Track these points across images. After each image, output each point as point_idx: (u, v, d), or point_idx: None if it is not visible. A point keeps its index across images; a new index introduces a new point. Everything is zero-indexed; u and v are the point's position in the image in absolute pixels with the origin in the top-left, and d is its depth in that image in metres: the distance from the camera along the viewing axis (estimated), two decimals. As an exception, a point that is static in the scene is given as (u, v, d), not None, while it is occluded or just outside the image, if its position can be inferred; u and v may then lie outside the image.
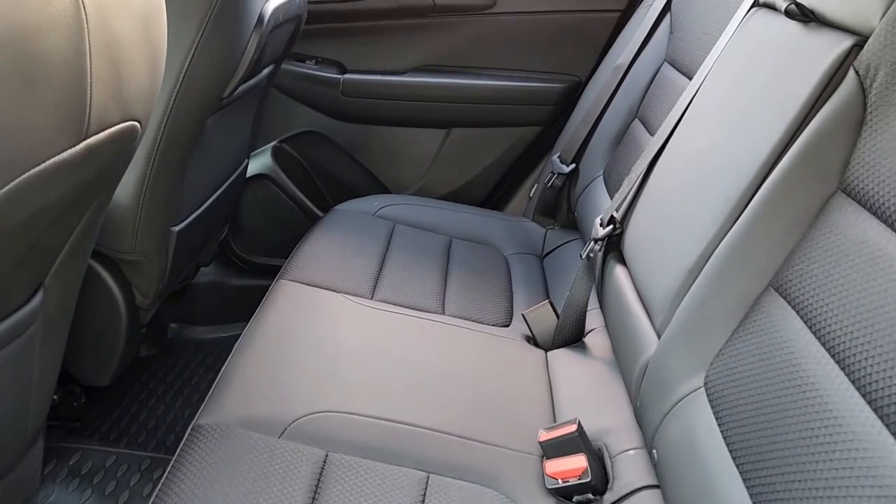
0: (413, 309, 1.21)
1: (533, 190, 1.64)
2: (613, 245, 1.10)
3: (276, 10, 1.14)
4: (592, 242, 1.11)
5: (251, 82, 1.26)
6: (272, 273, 1.75)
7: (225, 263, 1.77)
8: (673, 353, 0.81)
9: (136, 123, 0.68)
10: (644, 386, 0.86)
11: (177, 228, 1.18)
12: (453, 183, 1.77)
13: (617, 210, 1.10)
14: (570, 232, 1.53)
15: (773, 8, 0.90)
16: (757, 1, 0.96)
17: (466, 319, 1.22)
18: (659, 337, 0.86)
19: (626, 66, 1.42)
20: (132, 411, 1.47)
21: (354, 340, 1.08)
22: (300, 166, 1.76)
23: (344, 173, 1.79)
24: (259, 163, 1.71)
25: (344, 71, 1.70)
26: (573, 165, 1.49)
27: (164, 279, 1.20)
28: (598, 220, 1.12)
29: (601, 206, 1.28)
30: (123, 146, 0.68)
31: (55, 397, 1.23)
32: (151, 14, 0.68)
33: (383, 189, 1.80)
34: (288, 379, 0.98)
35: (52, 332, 0.82)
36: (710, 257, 0.79)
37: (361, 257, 1.33)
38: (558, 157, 1.53)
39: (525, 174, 1.75)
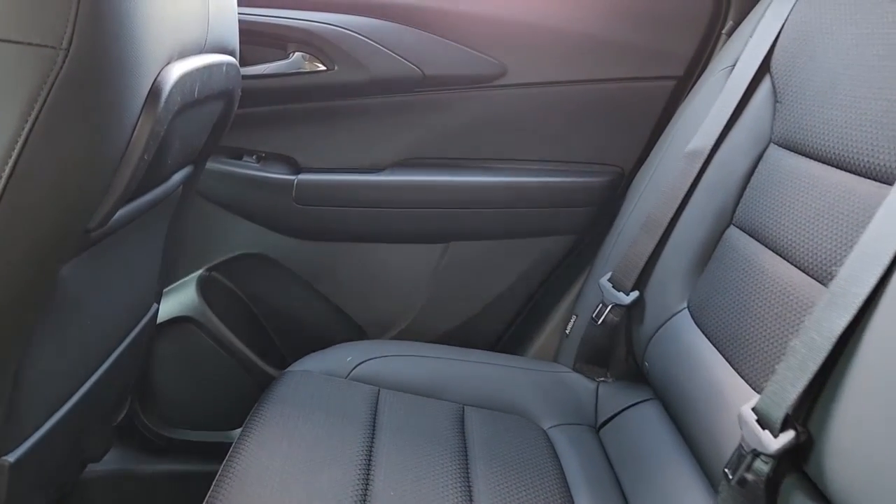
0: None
1: (570, 324, 1.17)
2: (788, 461, 0.63)
3: (183, 79, 0.67)
4: (751, 458, 0.64)
5: (148, 197, 0.78)
6: (201, 452, 1.24)
7: (131, 446, 1.24)
8: None
9: None
10: None
11: (13, 457, 0.67)
12: (455, 318, 1.29)
13: (774, 400, 0.63)
14: (635, 387, 1.07)
15: None
16: None
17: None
18: None
19: (706, 152, 0.99)
20: None
21: None
22: (238, 302, 1.26)
23: (301, 312, 1.29)
24: (177, 301, 1.21)
25: (298, 170, 1.22)
26: (635, 294, 1.03)
27: (-10, 548, 0.68)
28: (748, 419, 0.65)
29: (694, 355, 0.84)
30: None
31: None
32: None
33: (358, 333, 1.30)
34: None
35: None
36: None
37: (335, 466, 0.83)
38: (609, 280, 1.08)
39: (554, 302, 1.28)
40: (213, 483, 0.80)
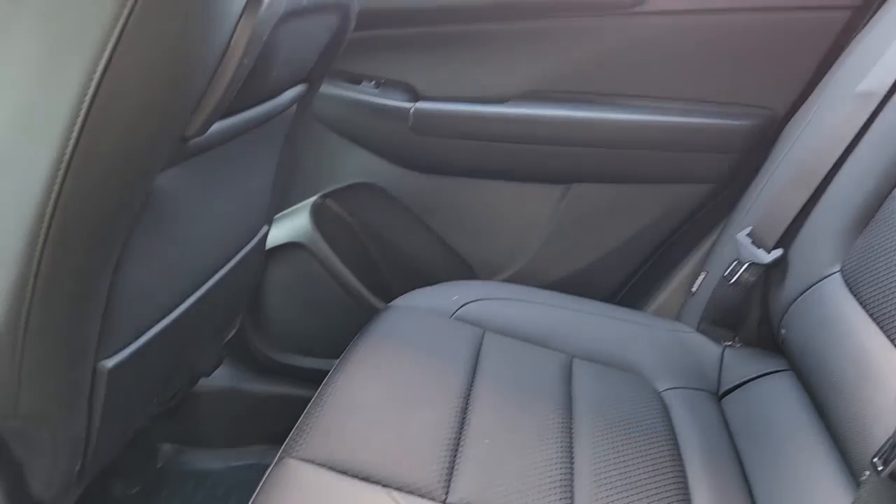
0: (520, 527, 0.66)
1: (698, 282, 1.07)
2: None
3: (290, -18, 0.62)
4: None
5: (254, 112, 0.75)
6: (307, 377, 1.24)
7: (241, 364, 1.27)
8: None
9: None
10: None
11: (111, 363, 0.67)
12: (571, 266, 1.20)
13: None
14: (766, 355, 0.96)
15: None
16: None
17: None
18: None
19: (883, 94, 0.85)
20: None
21: None
22: (349, 232, 1.24)
23: (411, 247, 1.25)
24: (290, 226, 1.20)
25: (416, 98, 1.17)
26: (778, 252, 0.91)
27: (88, 449, 0.69)
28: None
29: (844, 325, 0.73)
30: None
31: None
32: None
33: (467, 272, 1.24)
34: None
35: None
36: None
37: (430, 406, 0.79)
38: (748, 235, 0.96)
39: (681, 256, 1.17)
40: (306, 410, 0.78)
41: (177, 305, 0.79)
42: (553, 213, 1.18)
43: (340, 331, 1.00)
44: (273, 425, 1.02)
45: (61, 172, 0.54)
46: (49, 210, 0.55)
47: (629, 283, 1.23)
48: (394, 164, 1.20)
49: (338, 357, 0.88)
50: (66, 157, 0.54)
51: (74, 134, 0.53)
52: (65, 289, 0.58)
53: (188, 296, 0.82)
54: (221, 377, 1.25)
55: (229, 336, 1.13)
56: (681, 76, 1.09)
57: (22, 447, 0.64)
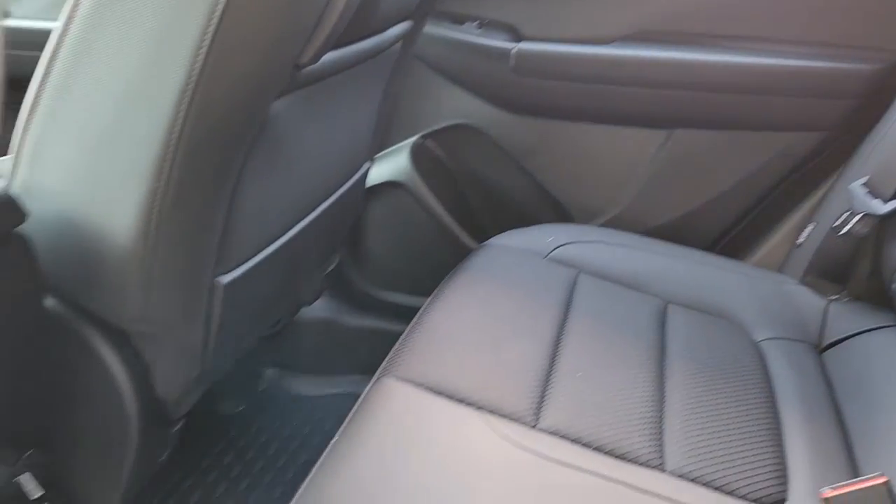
0: (608, 455, 0.68)
1: (805, 233, 1.03)
2: None
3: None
4: None
5: (361, 46, 0.77)
6: (400, 314, 1.28)
7: (339, 297, 1.32)
8: None
9: None
10: None
11: (227, 279, 0.72)
12: (670, 213, 1.19)
13: None
14: (875, 310, 0.92)
15: None
16: None
17: (705, 486, 0.66)
18: None
19: None
20: (192, 501, 1.06)
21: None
22: (447, 173, 1.26)
23: (508, 188, 1.25)
24: (390, 165, 1.23)
25: (518, 38, 1.16)
26: (895, 203, 0.87)
27: (206, 357, 0.75)
28: None
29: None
30: None
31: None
32: None
33: (563, 216, 1.24)
34: None
35: None
36: None
37: (523, 338, 0.81)
38: (863, 185, 0.92)
39: (788, 207, 1.12)
40: (403, 334, 0.82)
41: (285, 231, 0.84)
42: (654, 159, 1.16)
43: (434, 269, 1.03)
44: (367, 357, 1.07)
45: (188, 97, 0.58)
46: (177, 131, 0.59)
47: (730, 233, 1.19)
48: (494, 105, 1.21)
49: (430, 295, 0.91)
50: (193, 82, 0.57)
51: (200, 60, 0.56)
52: (189, 205, 0.63)
53: (296, 223, 0.86)
54: (321, 309, 1.30)
55: (330, 269, 1.18)
56: (795, 16, 1.03)
57: (149, 349, 0.70)
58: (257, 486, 1.10)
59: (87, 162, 0.62)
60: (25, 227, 0.62)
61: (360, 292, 1.31)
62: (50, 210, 0.63)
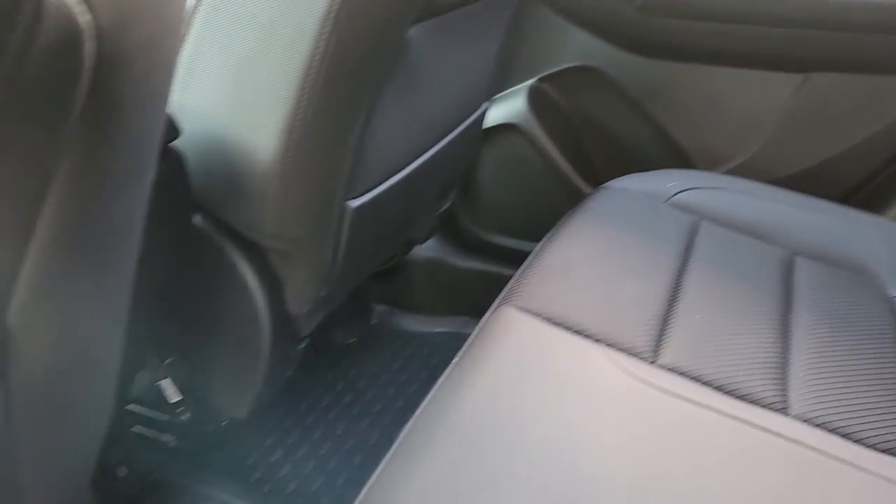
0: (729, 395, 0.67)
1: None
2: None
3: None
4: None
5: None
6: (509, 258, 1.30)
7: (450, 238, 1.34)
8: None
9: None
10: None
11: (356, 203, 0.75)
12: (800, 162, 1.13)
13: None
14: None
15: None
16: None
17: (832, 432, 0.64)
18: None
19: None
20: (306, 423, 1.12)
21: (618, 477, 0.57)
22: (563, 116, 1.24)
23: (627, 132, 1.23)
24: (507, 108, 1.23)
25: (646, -24, 1.12)
26: None
27: (333, 278, 0.78)
28: None
29: None
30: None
31: (186, 416, 0.90)
32: None
33: (684, 163, 1.20)
34: None
35: (39, 411, 0.42)
36: None
37: (641, 279, 0.80)
38: None
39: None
40: (518, 272, 0.82)
41: (408, 164, 0.86)
42: (787, 104, 1.10)
43: (546, 214, 1.02)
44: (475, 299, 1.08)
45: (331, 21, 0.60)
46: (319, 55, 0.61)
47: (866, 186, 1.12)
48: (617, 46, 1.17)
49: (540, 240, 0.91)
50: (336, 6, 0.59)
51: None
52: (326, 128, 0.65)
53: (418, 156, 0.88)
54: (431, 249, 1.33)
55: (443, 208, 1.20)
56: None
57: (283, 267, 0.74)
58: (368, 414, 1.15)
59: (233, 83, 0.65)
60: (178, 144, 0.66)
61: (469, 235, 1.32)
62: (199, 128, 0.67)
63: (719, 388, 0.67)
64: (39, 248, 0.35)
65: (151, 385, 0.88)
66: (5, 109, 0.27)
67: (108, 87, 0.30)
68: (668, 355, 0.70)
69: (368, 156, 0.74)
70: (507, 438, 0.59)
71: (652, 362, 0.69)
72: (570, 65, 1.22)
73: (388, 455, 0.59)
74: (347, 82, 0.64)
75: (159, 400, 0.90)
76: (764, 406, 0.66)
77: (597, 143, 1.25)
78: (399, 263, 1.30)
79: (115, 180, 0.35)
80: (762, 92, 1.11)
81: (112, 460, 0.84)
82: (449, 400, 0.65)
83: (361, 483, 0.57)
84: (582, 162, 1.24)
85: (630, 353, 0.69)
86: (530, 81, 1.23)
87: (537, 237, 0.92)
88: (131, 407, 0.95)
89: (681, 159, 1.20)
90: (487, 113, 1.13)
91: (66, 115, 0.30)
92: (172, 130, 0.63)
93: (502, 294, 0.77)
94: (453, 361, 0.71)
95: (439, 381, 0.68)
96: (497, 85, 1.12)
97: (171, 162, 0.64)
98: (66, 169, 0.32)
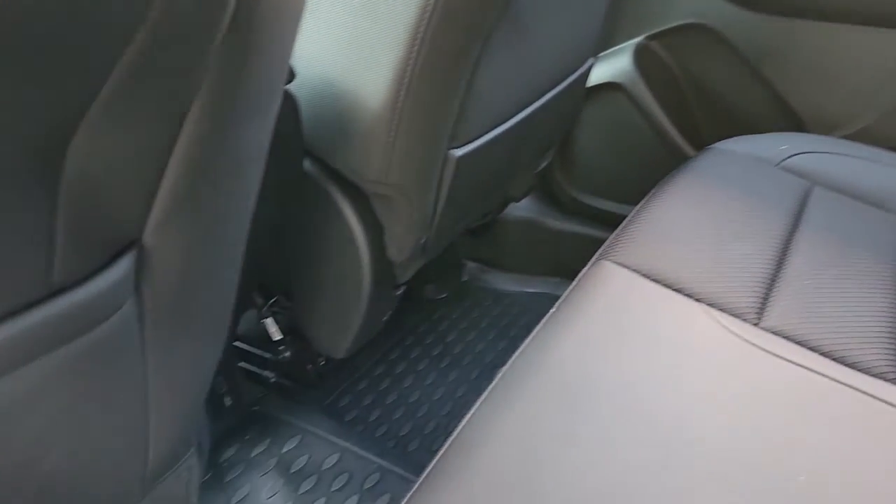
0: (838, 363, 0.64)
1: None
2: None
3: None
4: None
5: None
6: (605, 220, 1.28)
7: (544, 199, 1.33)
8: None
9: None
10: None
11: (459, 152, 0.76)
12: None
13: None
14: None
15: None
16: None
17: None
18: None
19: None
20: (397, 372, 1.15)
21: (718, 440, 0.56)
22: (672, 78, 1.20)
23: (737, 94, 1.18)
24: (611, 67, 1.20)
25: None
26: None
27: (432, 227, 0.80)
28: None
29: None
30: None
31: (287, 354, 0.94)
32: None
33: (797, 126, 1.15)
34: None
35: (167, 326, 0.46)
36: None
37: (748, 240, 0.78)
38: None
39: None
40: (623, 222, 0.81)
41: (511, 116, 0.85)
42: (916, 67, 1.03)
43: (647, 178, 1.00)
44: (568, 261, 1.07)
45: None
46: (431, 4, 0.61)
47: None
48: (730, 2, 1.12)
49: (637, 203, 0.89)
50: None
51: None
52: (435, 76, 0.66)
53: (521, 109, 0.87)
54: (526, 209, 1.33)
55: (541, 166, 1.19)
56: None
57: (386, 212, 0.75)
58: (456, 367, 1.17)
59: (347, 30, 0.66)
60: (291, 87, 0.68)
61: (566, 196, 1.31)
62: (311, 73, 0.69)
63: (827, 355, 0.65)
64: (176, 169, 0.37)
65: (256, 323, 0.93)
66: (159, 30, 0.29)
67: (251, 6, 0.31)
68: (773, 318, 0.68)
69: (474, 106, 0.74)
70: (599, 392, 0.59)
71: (756, 324, 0.67)
72: (680, 22, 1.18)
73: (477, 404, 0.60)
74: (458, 31, 0.64)
75: (263, 338, 0.95)
76: (874, 375, 0.63)
77: (704, 106, 1.21)
78: (493, 221, 1.31)
79: (248, 103, 0.37)
80: (889, 53, 1.04)
81: (219, 390, 0.90)
82: (541, 351, 0.66)
83: (449, 431, 0.58)
84: (687, 125, 1.20)
85: (733, 314, 0.67)
86: (637, 39, 1.20)
87: (635, 201, 0.91)
88: (237, 343, 1.00)
89: (794, 124, 1.14)
90: (591, 71, 1.11)
91: (213, 37, 0.31)
92: (288, 73, 0.65)
93: (601, 250, 0.77)
94: (548, 313, 0.71)
95: (532, 334, 0.69)
96: (603, 42, 1.10)
97: (286, 104, 0.66)
98: (206, 90, 0.34)
